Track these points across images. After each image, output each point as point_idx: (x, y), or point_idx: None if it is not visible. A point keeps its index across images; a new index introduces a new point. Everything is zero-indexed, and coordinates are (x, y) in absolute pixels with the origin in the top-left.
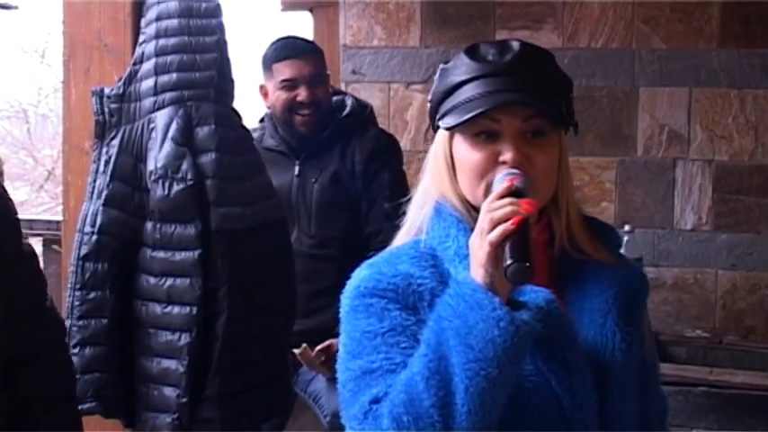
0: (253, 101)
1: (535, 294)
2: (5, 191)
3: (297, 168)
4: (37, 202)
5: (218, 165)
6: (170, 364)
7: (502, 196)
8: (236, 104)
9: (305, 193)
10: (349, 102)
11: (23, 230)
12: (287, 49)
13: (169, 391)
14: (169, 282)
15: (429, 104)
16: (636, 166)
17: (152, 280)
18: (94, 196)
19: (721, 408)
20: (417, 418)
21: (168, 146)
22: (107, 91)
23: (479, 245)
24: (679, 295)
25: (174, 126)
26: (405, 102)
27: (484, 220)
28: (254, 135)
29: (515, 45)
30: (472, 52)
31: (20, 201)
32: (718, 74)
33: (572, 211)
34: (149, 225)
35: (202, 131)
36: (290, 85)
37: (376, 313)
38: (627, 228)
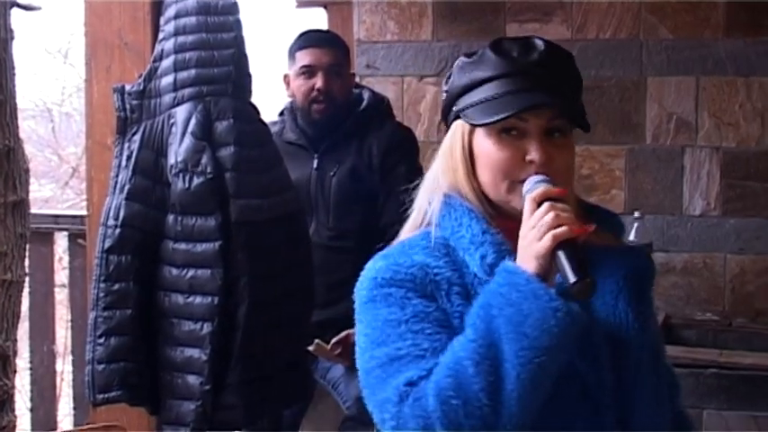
0: (270, 95)
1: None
2: None
3: (315, 162)
4: (62, 199)
5: (236, 158)
6: (193, 352)
7: (551, 199)
8: (254, 99)
9: (323, 187)
10: (366, 95)
11: (49, 225)
12: (310, 37)
13: (192, 379)
14: (191, 272)
15: (445, 96)
16: (645, 154)
17: (174, 271)
18: (117, 190)
19: (731, 389)
20: (466, 401)
21: (188, 140)
22: (128, 88)
23: (537, 236)
24: (689, 279)
25: (193, 121)
26: (418, 94)
27: (546, 214)
28: (274, 129)
29: (540, 44)
30: (498, 49)
31: (46, 197)
32: (724, 62)
33: (573, 204)
34: (171, 218)
35: (221, 126)
36: (308, 71)
37: (396, 302)
38: (637, 214)
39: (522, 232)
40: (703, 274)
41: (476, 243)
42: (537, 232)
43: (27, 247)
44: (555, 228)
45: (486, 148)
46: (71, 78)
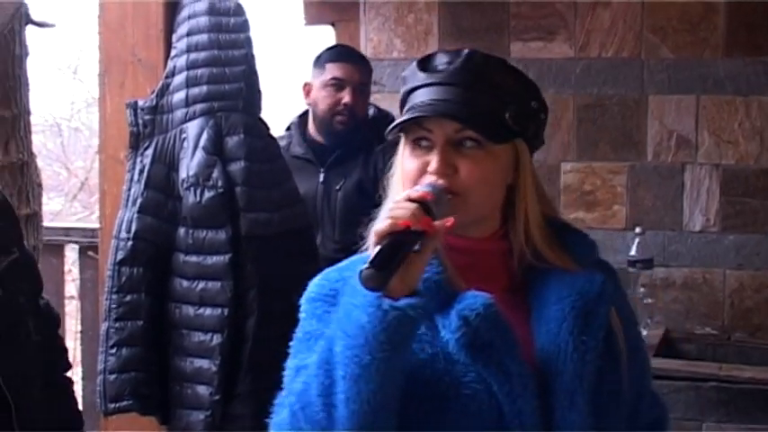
0: (279, 110)
1: (474, 299)
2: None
3: (322, 176)
4: (70, 212)
5: (247, 172)
6: (203, 363)
7: (411, 200)
8: (264, 114)
9: (329, 200)
10: (371, 110)
11: (60, 237)
12: (344, 52)
13: (202, 390)
14: (201, 285)
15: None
16: (646, 171)
17: (185, 283)
18: (129, 204)
19: (731, 402)
20: (305, 406)
21: (199, 155)
22: (141, 103)
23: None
24: (688, 294)
25: (204, 136)
26: None
27: (385, 214)
28: (281, 143)
29: (463, 53)
30: (422, 61)
31: (55, 210)
32: (723, 81)
33: (532, 223)
34: (182, 231)
35: (232, 141)
36: (337, 84)
37: (317, 316)
38: (638, 230)
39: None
40: (703, 289)
41: None
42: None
43: (38, 258)
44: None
45: (403, 159)
46: (80, 94)
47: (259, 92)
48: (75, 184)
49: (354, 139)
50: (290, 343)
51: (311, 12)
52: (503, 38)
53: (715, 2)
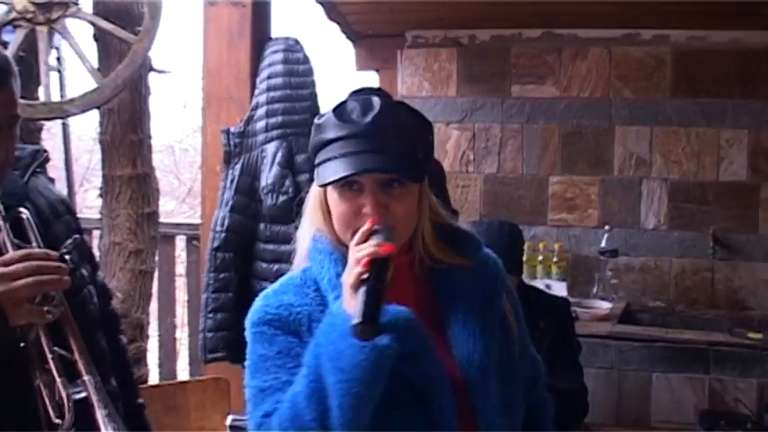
0: None
1: (397, 314)
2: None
3: None
4: (180, 212)
5: (311, 182)
6: None
7: (364, 238)
8: None
9: None
10: None
11: (172, 230)
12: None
13: None
14: (276, 266)
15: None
16: (613, 183)
17: (264, 265)
18: (223, 205)
19: (674, 357)
20: (301, 428)
21: (276, 168)
22: (232, 130)
23: (347, 282)
24: (644, 276)
25: (279, 154)
26: (445, 136)
27: (351, 260)
28: None
29: (377, 103)
30: (339, 112)
31: (168, 210)
32: (671, 116)
33: (427, 235)
34: (262, 225)
35: (300, 158)
36: None
37: (267, 339)
38: (607, 228)
39: (343, 276)
40: (654, 273)
41: (332, 285)
42: (347, 277)
43: (156, 246)
44: (356, 267)
45: (332, 201)
46: (188, 123)
47: None
48: (184, 191)
49: None
50: (246, 363)
51: (361, 60)
52: (505, 81)
53: (664, 57)
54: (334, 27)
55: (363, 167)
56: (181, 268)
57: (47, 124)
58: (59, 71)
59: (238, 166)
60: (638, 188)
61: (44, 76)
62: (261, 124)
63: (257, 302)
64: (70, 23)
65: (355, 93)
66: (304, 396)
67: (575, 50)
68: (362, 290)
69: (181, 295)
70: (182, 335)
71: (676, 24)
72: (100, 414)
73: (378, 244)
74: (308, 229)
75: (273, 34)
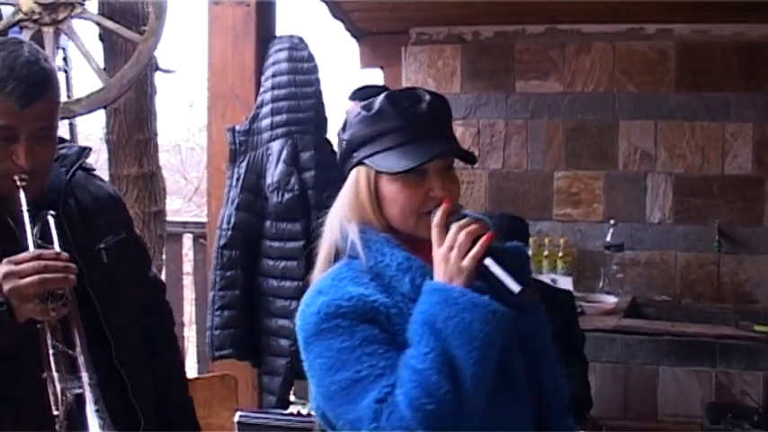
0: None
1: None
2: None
3: None
4: (187, 210)
5: (316, 179)
6: (284, 322)
7: (445, 218)
8: (328, 135)
9: None
10: None
11: (179, 229)
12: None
13: (284, 342)
14: (282, 263)
15: (345, 144)
16: (618, 177)
17: (270, 262)
18: (229, 203)
19: (680, 351)
20: (438, 403)
21: (281, 166)
22: (237, 128)
23: (459, 255)
24: (650, 270)
25: (284, 152)
26: None
27: (458, 234)
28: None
29: (425, 95)
30: (393, 102)
31: (176, 208)
32: (675, 111)
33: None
34: (268, 223)
35: (305, 155)
36: None
37: (345, 331)
38: (612, 222)
39: (441, 254)
40: (660, 267)
41: (403, 269)
42: (457, 252)
43: (164, 244)
44: (471, 245)
45: (393, 189)
46: (194, 122)
47: (325, 118)
48: (191, 189)
49: None
50: (319, 361)
51: (365, 58)
52: (509, 77)
53: (668, 52)
54: (339, 25)
55: (438, 152)
56: (188, 266)
57: None
58: (66, 71)
59: (244, 164)
60: (642, 182)
61: None
62: (266, 122)
63: (318, 298)
64: (76, 24)
65: (359, 90)
66: (434, 372)
67: (578, 45)
68: (492, 263)
69: (188, 293)
70: (189, 332)
71: (680, 18)
72: (89, 409)
73: (481, 225)
74: (344, 226)
75: (278, 33)
